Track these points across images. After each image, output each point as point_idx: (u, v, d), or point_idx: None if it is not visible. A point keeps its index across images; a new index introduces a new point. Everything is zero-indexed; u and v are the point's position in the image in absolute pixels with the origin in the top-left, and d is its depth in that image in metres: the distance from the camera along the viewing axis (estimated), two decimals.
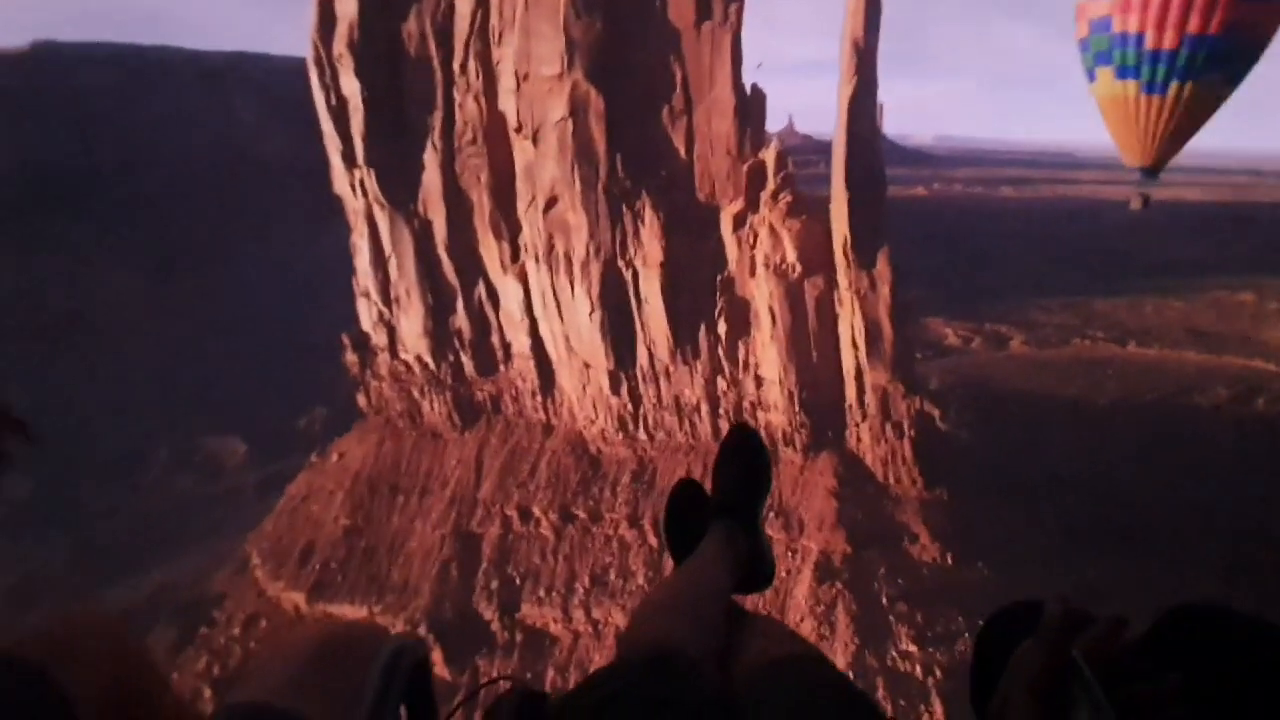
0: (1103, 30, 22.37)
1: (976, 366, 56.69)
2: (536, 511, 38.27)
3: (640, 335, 37.99)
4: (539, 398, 41.33)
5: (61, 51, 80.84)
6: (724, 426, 36.28)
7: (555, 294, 38.66)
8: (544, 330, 40.28)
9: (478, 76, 38.92)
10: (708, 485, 2.95)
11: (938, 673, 28.23)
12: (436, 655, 33.57)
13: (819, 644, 21.92)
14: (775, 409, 35.75)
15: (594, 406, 39.74)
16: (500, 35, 37.93)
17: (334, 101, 40.60)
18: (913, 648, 29.04)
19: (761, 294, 35.27)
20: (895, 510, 33.57)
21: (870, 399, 34.26)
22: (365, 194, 41.47)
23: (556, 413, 41.26)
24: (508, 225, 39.86)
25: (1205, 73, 21.14)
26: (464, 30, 38.89)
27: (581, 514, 37.73)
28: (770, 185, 35.11)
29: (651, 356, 37.96)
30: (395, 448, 43.00)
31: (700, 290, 36.69)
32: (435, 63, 39.72)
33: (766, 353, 35.72)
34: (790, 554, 32.34)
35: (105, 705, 1.25)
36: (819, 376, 35.17)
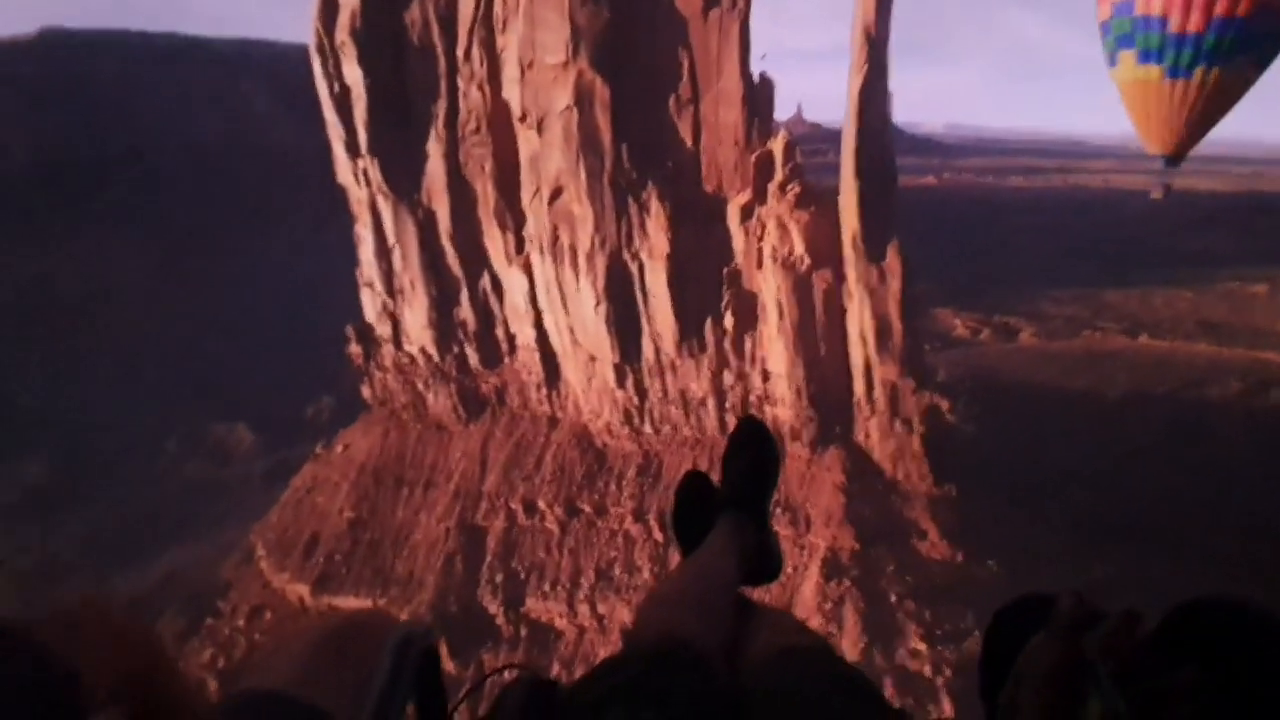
0: (1125, 13, 21.66)
1: (985, 358, 56.24)
2: (541, 505, 38.06)
3: (646, 328, 37.60)
4: (544, 390, 41.03)
5: (69, 39, 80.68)
6: (730, 421, 35.94)
7: (560, 286, 38.27)
8: (549, 323, 39.93)
9: (482, 65, 38.38)
10: (715, 478, 2.91)
11: (947, 671, 27.93)
12: (441, 649, 33.41)
13: None
14: (782, 403, 35.36)
15: (599, 400, 39.43)
16: (505, 23, 37.36)
17: (337, 90, 40.13)
18: (922, 646, 28.74)
19: (769, 287, 34.81)
20: (904, 506, 33.21)
21: (879, 394, 33.83)
22: (369, 184, 41.08)
23: (561, 406, 40.97)
24: (512, 216, 39.44)
25: (1233, 57, 20.42)
26: (468, 17, 38.34)
27: (587, 508, 37.51)
28: (778, 176, 34.57)
29: (657, 350, 37.59)
30: (400, 440, 42.82)
31: (707, 283, 36.25)
32: (439, 50, 39.18)
33: (774, 346, 35.30)
34: (797, 550, 32.05)
35: (116, 689, 1.23)
36: (827, 371, 34.75)
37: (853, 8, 33.96)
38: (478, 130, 38.95)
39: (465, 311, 41.72)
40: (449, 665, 32.86)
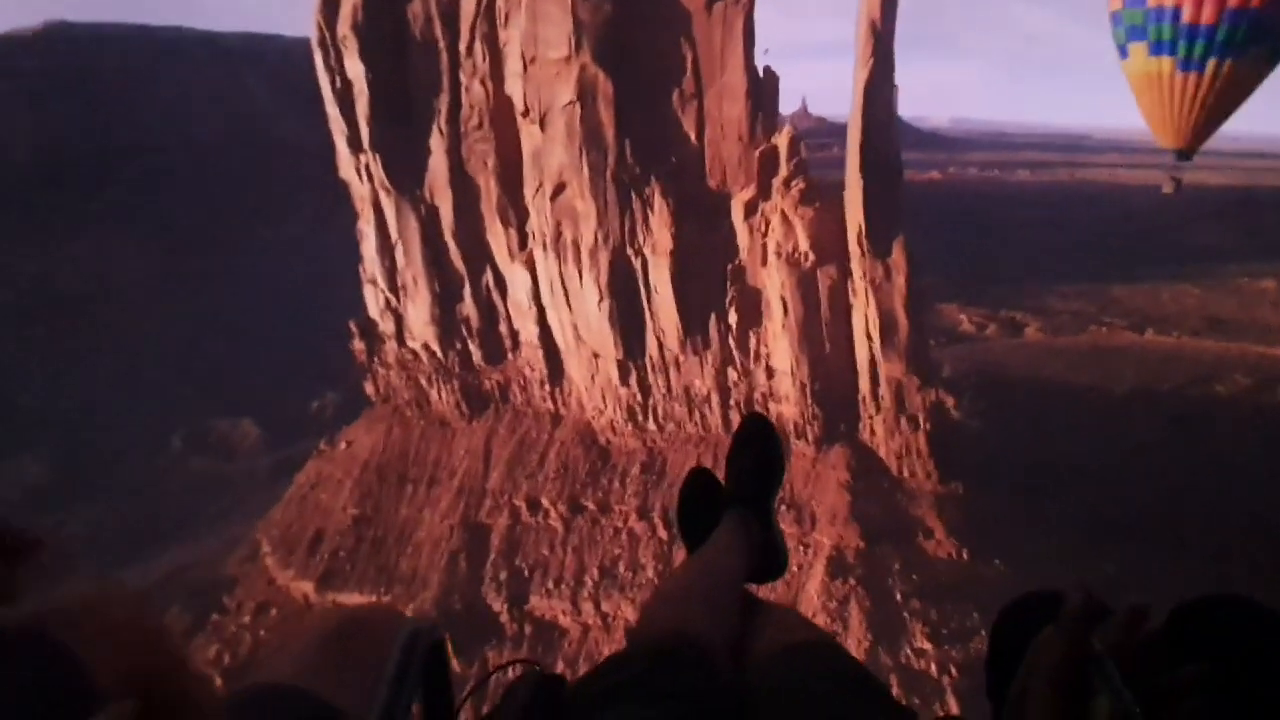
0: (1138, 4, 21.31)
1: (991, 353, 55.95)
2: (545, 502, 37.94)
3: (650, 325, 37.40)
4: (547, 387, 40.88)
5: (74, 32, 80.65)
6: (734, 418, 35.75)
7: (563, 282, 38.08)
8: (552, 319, 39.75)
9: (484, 59, 38.14)
10: (719, 475, 2.92)
11: (953, 670, 27.77)
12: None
13: None
14: (787, 400, 35.14)
15: (603, 396, 39.26)
16: (507, 17, 37.08)
17: (339, 85, 39.96)
18: (928, 645, 28.57)
19: (773, 283, 34.56)
20: (909, 504, 33.00)
21: (884, 391, 33.59)
22: (371, 179, 40.92)
23: (565, 402, 40.83)
24: (515, 212, 39.24)
25: (1246, 49, 20.10)
26: (470, 12, 38.08)
27: (590, 505, 37.38)
28: (783, 171, 34.28)
29: (661, 346, 37.39)
30: (403, 436, 42.74)
31: (711, 279, 36.00)
32: (441, 45, 38.95)
33: (778, 343, 35.07)
34: (802, 549, 31.88)
35: (127, 682, 1.17)
36: (832, 368, 34.51)
37: (859, 1, 33.65)
38: (480, 125, 38.74)
39: (468, 308, 41.58)
40: (453, 663, 32.82)
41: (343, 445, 44.23)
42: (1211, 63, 20.38)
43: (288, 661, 1.71)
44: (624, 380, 38.28)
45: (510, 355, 41.77)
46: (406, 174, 40.31)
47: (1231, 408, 44.69)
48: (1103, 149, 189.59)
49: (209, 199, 76.35)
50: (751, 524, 2.66)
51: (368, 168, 40.69)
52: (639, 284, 36.97)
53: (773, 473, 2.84)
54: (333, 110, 40.58)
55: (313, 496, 42.10)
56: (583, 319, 38.35)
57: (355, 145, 40.54)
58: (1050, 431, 40.89)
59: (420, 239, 40.93)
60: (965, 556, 31.36)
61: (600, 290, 37.02)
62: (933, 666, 28.19)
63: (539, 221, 38.13)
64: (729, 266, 35.84)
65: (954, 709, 26.55)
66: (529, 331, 40.63)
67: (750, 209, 35.13)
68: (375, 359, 44.02)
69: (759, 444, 2.87)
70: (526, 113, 37.04)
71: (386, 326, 43.64)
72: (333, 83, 39.98)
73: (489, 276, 41.04)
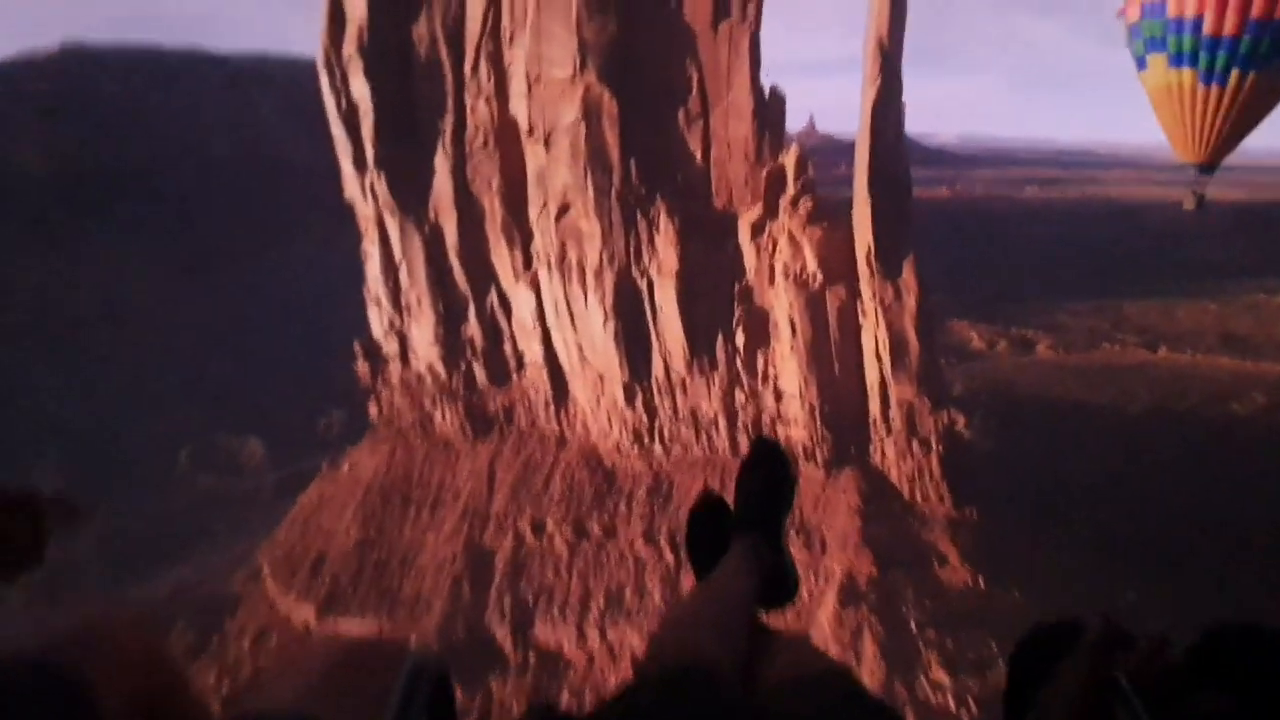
0: (1157, 15, 20.79)
1: (1002, 371, 55.25)
2: (550, 526, 37.30)
3: (655, 346, 36.90)
4: (552, 409, 40.36)
5: (89, 54, 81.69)
6: (742, 440, 35.14)
7: (568, 303, 37.68)
8: (557, 340, 39.31)
9: (489, 79, 38.02)
10: (728, 499, 2.87)
11: (970, 702, 26.88)
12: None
13: None
14: (795, 423, 34.50)
15: (608, 418, 38.70)
16: (512, 37, 37.00)
17: (344, 105, 39.91)
18: (944, 677, 27.68)
19: (781, 304, 34.05)
20: (922, 530, 32.21)
21: (895, 413, 32.92)
22: (376, 199, 40.75)
23: (570, 424, 40.27)
24: (520, 232, 38.94)
25: (1270, 60, 19.53)
26: (475, 32, 38.01)
27: (596, 529, 36.72)
28: (790, 191, 33.88)
29: (667, 368, 36.86)
30: (407, 458, 42.24)
31: (717, 300, 35.54)
32: (446, 65, 38.88)
33: (786, 365, 34.49)
34: (812, 575, 31.11)
35: (131, 706, 1.24)
36: (841, 390, 33.89)
37: (866, 19, 33.38)
38: (485, 145, 38.55)
39: (472, 328, 41.19)
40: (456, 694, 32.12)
41: (346, 467, 43.77)
42: (1234, 75, 19.83)
43: (289, 689, 1.47)
44: (630, 402, 37.74)
45: (515, 376, 41.32)
46: (411, 194, 40.12)
47: (1249, 427, 43.78)
48: (1109, 164, 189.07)
49: (219, 218, 76.83)
50: (761, 549, 2.62)
51: (372, 188, 40.54)
52: (644, 305, 36.53)
53: (782, 496, 2.80)
54: (338, 130, 40.53)
55: (315, 519, 41.60)
56: (588, 340, 37.89)
57: (360, 165, 40.43)
58: (1064, 451, 40.12)
59: (425, 259, 40.67)
60: (981, 583, 30.52)
61: (605, 311, 36.58)
62: (949, 699, 27.32)
63: (544, 242, 37.81)
64: (736, 287, 35.37)
65: None
66: (534, 352, 40.20)
67: (757, 228, 34.71)
68: (379, 380, 43.66)
69: (767, 466, 2.83)
70: (531, 132, 36.84)
71: (391, 347, 43.29)
72: (338, 103, 39.95)
73: (493, 297, 40.69)
